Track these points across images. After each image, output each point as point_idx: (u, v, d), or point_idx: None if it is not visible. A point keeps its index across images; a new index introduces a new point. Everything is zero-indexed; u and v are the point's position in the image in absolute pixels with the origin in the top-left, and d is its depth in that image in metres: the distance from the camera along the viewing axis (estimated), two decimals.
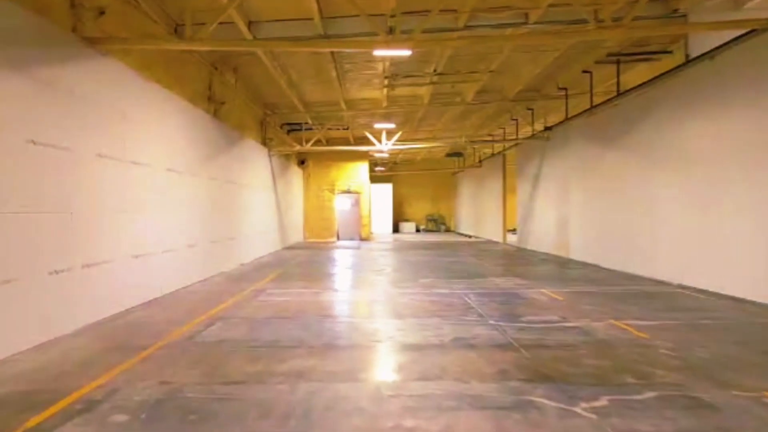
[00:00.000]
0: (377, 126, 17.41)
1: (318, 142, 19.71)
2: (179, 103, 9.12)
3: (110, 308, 6.55)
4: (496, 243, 21.82)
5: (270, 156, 16.83)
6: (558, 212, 15.50)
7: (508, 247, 19.37)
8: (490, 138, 21.87)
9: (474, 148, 26.37)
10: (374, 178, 28.75)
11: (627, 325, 6.13)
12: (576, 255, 14.08)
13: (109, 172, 6.62)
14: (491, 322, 6.31)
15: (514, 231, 23.02)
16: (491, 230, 24.05)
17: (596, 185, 12.96)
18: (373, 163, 29.33)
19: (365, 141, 19.22)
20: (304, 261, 14.22)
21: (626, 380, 4.18)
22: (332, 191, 24.01)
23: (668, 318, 6.57)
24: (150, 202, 7.81)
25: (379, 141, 17.82)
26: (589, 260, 13.13)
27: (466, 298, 7.99)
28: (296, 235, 21.93)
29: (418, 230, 32.95)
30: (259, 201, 15.33)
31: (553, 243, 15.80)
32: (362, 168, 24.19)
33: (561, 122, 15.22)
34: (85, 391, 3.90)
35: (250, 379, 4.21)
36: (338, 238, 23.98)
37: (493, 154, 23.44)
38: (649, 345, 5.24)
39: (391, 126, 17.49)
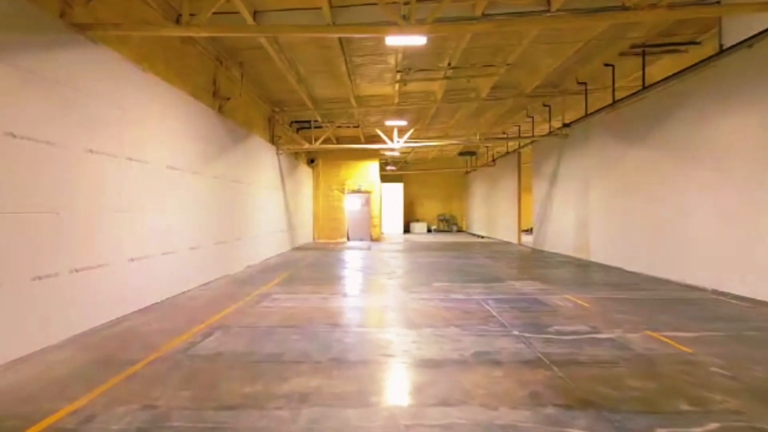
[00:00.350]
0: (388, 123, 16.86)
1: (327, 141, 19.23)
2: (181, 96, 8.67)
3: (102, 316, 6.08)
4: (511, 244, 21.19)
5: (278, 154, 16.37)
6: (577, 212, 14.86)
7: (524, 249, 18.75)
8: (505, 136, 21.22)
9: (487, 147, 25.71)
10: (385, 178, 28.21)
11: (666, 336, 5.55)
12: (597, 257, 13.45)
13: (102, 169, 6.16)
14: (515, 332, 5.76)
15: (527, 231, 22.38)
16: (505, 231, 23.42)
17: (619, 184, 12.32)
18: (384, 163, 28.79)
19: (376, 140, 18.71)
20: (313, 263, 13.74)
21: (680, 407, 3.61)
22: (342, 191, 23.52)
23: (709, 329, 5.98)
24: (148, 201, 7.35)
25: (391, 139, 17.26)
26: (612, 263, 12.49)
27: (485, 305, 7.44)
28: (306, 236, 21.47)
29: (429, 230, 32.35)
30: (267, 201, 14.87)
31: (572, 244, 15.16)
32: (373, 167, 23.66)
33: (581, 118, 14.58)
34: (57, 416, 3.41)
35: (247, 402, 3.70)
36: (348, 239, 23.48)
37: (507, 153, 22.80)
38: (696, 362, 4.66)
39: (403, 123, 16.93)
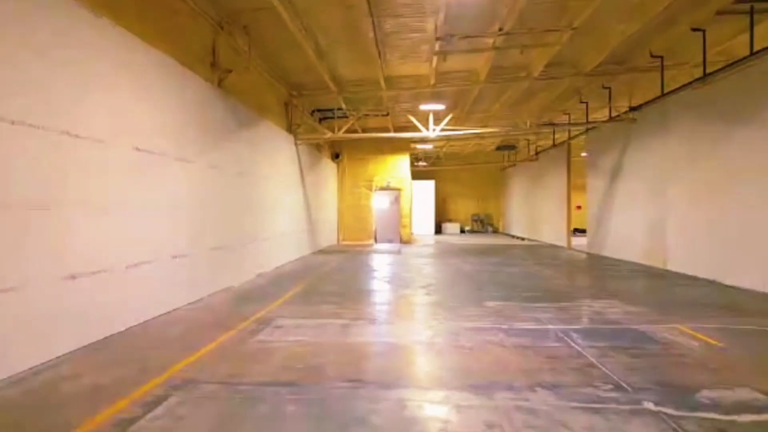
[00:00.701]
0: (423, 107, 14.67)
1: (352, 131, 17.16)
2: (165, 61, 6.70)
3: (10, 364, 4.10)
4: (560, 248, 18.73)
5: (297, 145, 14.36)
6: (648, 212, 12.42)
7: (578, 254, 16.31)
8: (556, 123, 18.71)
9: (528, 140, 23.33)
10: (415, 174, 26.00)
11: None
12: (677, 266, 11.01)
13: (14, 146, 4.20)
14: (648, 404, 3.54)
15: (576, 233, 19.94)
16: (550, 232, 20.97)
17: (714, 177, 9.84)
18: (415, 158, 26.59)
19: (407, 130, 16.57)
20: (335, 269, 11.68)
21: None
22: (369, 188, 21.41)
23: None
24: (103, 195, 5.37)
25: (426, 127, 15.02)
26: (701, 274, 10.04)
27: (570, 341, 5.23)
28: (329, 237, 19.44)
29: (462, 231, 29.99)
30: (283, 197, 12.87)
31: (641, 250, 12.73)
32: (403, 162, 21.49)
33: (655, 99, 12.14)
34: None
35: None
36: (376, 241, 21.38)
37: (553, 146, 20.35)
38: None
39: (441, 107, 14.72)
